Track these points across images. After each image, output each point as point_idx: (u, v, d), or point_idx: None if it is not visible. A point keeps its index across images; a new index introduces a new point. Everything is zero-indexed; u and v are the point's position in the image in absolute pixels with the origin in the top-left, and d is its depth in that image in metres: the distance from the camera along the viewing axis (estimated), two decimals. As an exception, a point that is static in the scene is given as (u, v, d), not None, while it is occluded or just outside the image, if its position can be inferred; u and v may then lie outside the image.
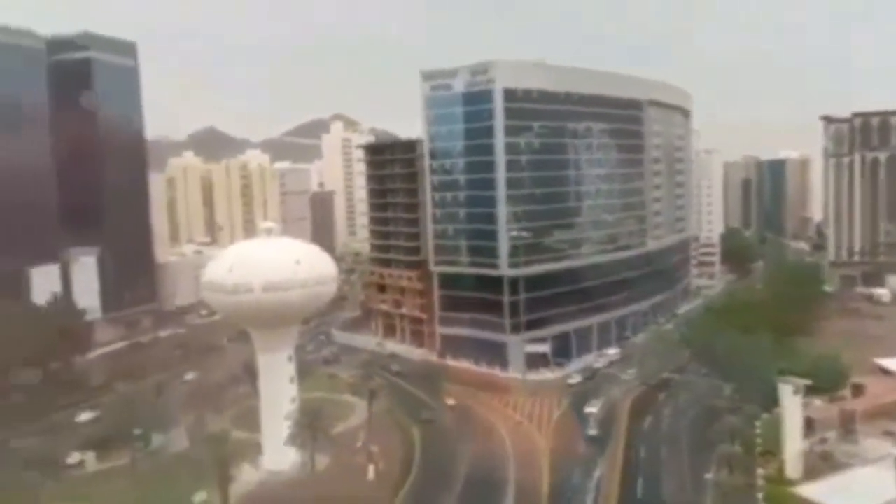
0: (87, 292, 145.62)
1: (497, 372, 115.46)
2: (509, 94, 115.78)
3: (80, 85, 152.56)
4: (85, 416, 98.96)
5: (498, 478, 75.69)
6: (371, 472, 77.49)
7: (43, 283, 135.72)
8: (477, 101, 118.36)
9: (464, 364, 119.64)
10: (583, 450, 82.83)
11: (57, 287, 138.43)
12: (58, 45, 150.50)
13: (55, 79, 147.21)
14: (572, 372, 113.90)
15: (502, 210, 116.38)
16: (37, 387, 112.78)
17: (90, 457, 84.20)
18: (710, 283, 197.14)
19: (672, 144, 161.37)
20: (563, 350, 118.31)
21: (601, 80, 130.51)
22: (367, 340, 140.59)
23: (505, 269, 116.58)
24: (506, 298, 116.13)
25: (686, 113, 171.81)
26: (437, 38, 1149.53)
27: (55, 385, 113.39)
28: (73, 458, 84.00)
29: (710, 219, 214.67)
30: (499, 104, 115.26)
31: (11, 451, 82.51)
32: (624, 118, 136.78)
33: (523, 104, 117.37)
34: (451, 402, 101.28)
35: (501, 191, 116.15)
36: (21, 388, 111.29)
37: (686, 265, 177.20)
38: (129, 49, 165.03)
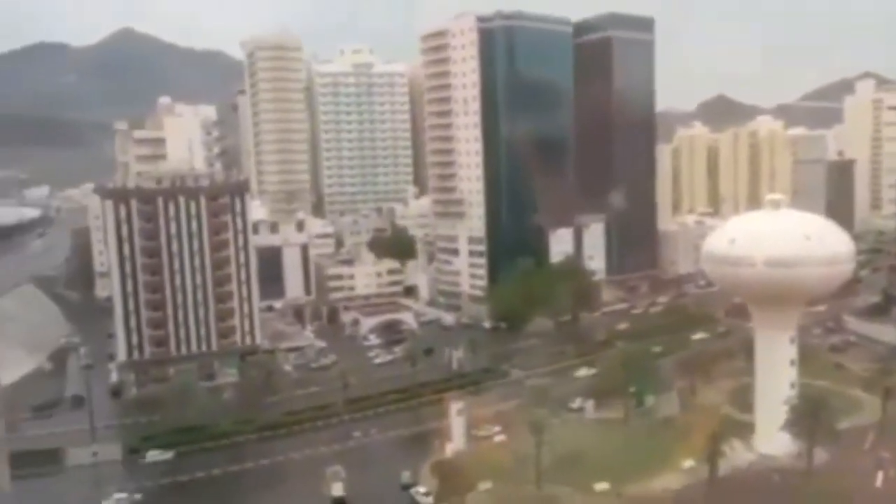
0: (594, 256, 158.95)
1: None
2: None
3: (600, 63, 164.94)
4: (584, 370, 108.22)
5: None
6: (879, 479, 68.08)
7: (557, 244, 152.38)
8: None
9: None
10: None
11: (569, 249, 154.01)
12: (582, 27, 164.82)
13: (578, 58, 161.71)
14: None
15: None
16: (550, 335, 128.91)
17: (589, 405, 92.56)
18: None
19: None
20: None
21: None
22: (887, 331, 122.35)
23: None
24: None
25: None
26: None
27: (565, 335, 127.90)
28: (576, 402, 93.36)
29: None
30: None
31: (527, 388, 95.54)
32: None
33: None
34: None
35: None
36: (537, 335, 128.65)
37: None
38: (646, 25, 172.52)
